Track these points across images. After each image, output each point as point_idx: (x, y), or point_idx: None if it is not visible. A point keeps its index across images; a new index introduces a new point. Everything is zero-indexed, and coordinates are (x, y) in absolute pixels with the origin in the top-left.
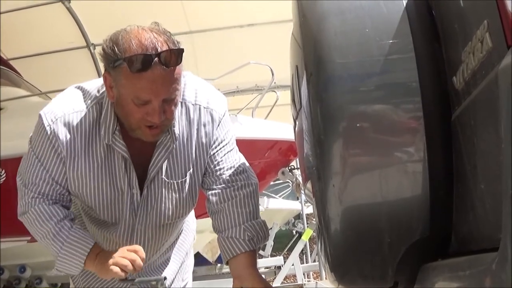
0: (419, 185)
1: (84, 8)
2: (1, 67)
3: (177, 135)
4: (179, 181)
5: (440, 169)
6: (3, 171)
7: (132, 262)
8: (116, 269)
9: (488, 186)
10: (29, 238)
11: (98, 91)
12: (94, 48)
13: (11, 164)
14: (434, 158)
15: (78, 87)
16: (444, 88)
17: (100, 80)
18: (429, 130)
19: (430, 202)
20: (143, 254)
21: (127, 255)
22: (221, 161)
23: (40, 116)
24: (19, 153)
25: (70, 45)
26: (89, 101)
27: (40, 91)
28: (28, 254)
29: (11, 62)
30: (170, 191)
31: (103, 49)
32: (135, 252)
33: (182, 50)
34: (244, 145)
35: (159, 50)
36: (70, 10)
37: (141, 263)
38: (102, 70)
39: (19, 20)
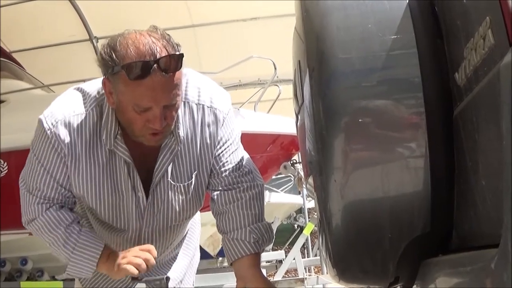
0: (420, 181)
1: (87, 1)
2: (3, 59)
3: (181, 137)
4: (185, 183)
5: (441, 165)
6: (5, 164)
7: (146, 261)
8: (131, 268)
9: (489, 182)
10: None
11: (98, 93)
12: (97, 41)
13: (14, 156)
14: (436, 154)
15: (78, 89)
16: (446, 84)
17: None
18: (431, 126)
19: (431, 198)
20: (155, 253)
21: (141, 255)
22: (226, 162)
23: (40, 120)
24: (21, 146)
25: (72, 38)
26: (89, 104)
27: (43, 84)
28: (29, 246)
29: (13, 55)
30: (176, 194)
31: (101, 55)
32: (149, 251)
33: (181, 55)
34: (246, 139)
35: (157, 56)
36: (72, 3)
37: (154, 262)
38: None
39: (22, 13)
